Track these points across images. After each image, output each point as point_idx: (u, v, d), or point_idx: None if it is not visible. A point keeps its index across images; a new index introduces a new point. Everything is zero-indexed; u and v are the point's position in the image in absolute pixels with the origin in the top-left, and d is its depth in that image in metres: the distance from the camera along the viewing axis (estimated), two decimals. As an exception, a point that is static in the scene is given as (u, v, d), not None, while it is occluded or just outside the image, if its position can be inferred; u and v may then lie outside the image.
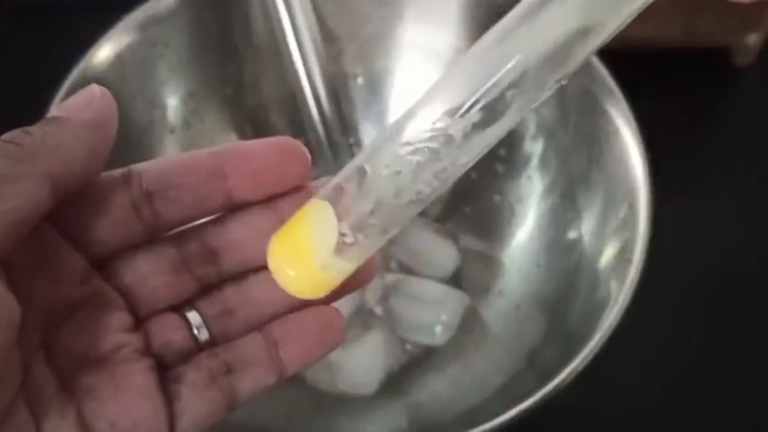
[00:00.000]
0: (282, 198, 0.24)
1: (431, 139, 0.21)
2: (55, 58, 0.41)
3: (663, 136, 0.44)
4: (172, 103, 0.47)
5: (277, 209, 0.24)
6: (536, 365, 0.42)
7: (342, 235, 0.22)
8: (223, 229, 0.24)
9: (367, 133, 0.51)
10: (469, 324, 0.47)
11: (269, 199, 0.24)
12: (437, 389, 0.45)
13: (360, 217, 0.22)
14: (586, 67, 0.44)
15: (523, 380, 0.41)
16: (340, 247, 0.22)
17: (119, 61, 0.44)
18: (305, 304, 0.24)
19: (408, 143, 0.21)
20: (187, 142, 0.48)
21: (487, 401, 0.42)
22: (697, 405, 0.46)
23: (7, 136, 0.21)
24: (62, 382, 0.22)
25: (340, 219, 0.22)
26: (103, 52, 0.44)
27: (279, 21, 0.46)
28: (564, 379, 0.36)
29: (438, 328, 0.46)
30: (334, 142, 0.49)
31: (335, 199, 0.22)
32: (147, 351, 0.23)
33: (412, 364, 0.46)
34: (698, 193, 0.54)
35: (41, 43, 0.57)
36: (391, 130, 0.22)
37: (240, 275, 0.24)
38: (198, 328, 0.24)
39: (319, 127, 0.48)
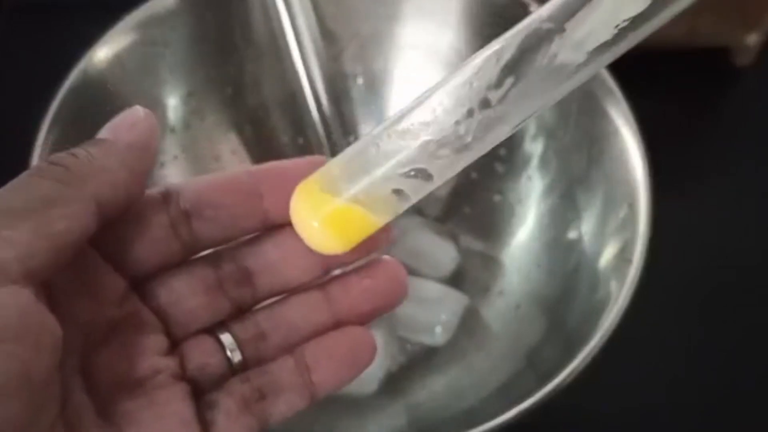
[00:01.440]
0: None
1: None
2: (55, 58, 0.41)
3: (663, 136, 0.44)
4: (172, 102, 0.47)
5: None
6: (536, 365, 0.42)
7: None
8: (259, 250, 0.24)
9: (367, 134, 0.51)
10: (469, 324, 0.47)
11: None
12: (437, 389, 0.45)
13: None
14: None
15: (523, 380, 0.41)
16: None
17: (119, 61, 0.44)
18: (336, 325, 0.24)
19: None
20: (187, 142, 0.48)
21: (487, 401, 0.42)
22: (697, 405, 0.46)
23: (54, 158, 0.21)
24: (100, 408, 0.22)
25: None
26: (103, 52, 0.44)
27: (279, 21, 0.46)
28: (564, 379, 0.36)
29: (438, 328, 0.46)
30: (334, 142, 0.49)
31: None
32: (183, 375, 0.23)
33: (412, 364, 0.46)
34: (698, 193, 0.54)
35: (41, 43, 0.57)
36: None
37: (274, 296, 0.24)
38: (231, 351, 0.24)
39: (319, 127, 0.48)
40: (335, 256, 0.23)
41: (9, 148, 0.36)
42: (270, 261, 0.24)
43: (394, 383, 0.45)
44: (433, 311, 0.47)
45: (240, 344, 0.24)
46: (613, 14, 0.20)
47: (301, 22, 0.47)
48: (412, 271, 0.48)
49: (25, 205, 0.20)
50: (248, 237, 0.24)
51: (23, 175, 0.20)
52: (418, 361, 0.46)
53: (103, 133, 0.22)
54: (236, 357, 0.24)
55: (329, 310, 0.24)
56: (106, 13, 0.44)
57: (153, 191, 0.23)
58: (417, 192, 0.22)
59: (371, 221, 0.22)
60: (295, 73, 0.48)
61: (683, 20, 0.54)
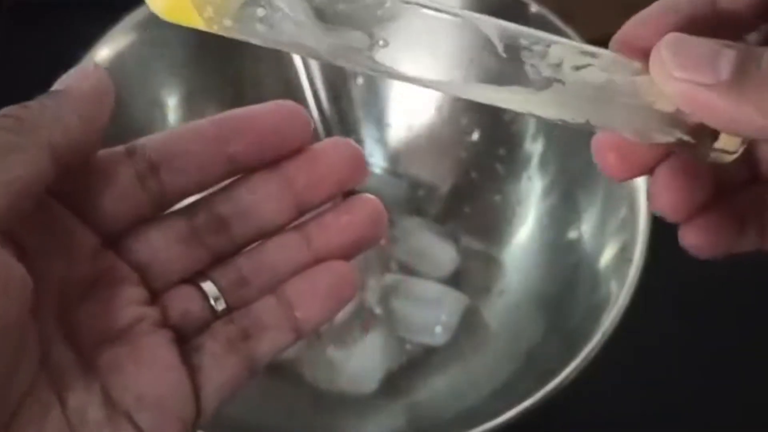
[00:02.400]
0: (286, 161, 0.24)
1: None
2: (55, 57, 0.41)
3: (663, 136, 0.44)
4: (172, 103, 0.47)
5: (282, 172, 0.24)
6: (536, 365, 0.42)
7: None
8: (231, 196, 0.24)
9: (367, 133, 0.51)
10: (469, 324, 0.47)
11: (274, 163, 0.24)
12: (437, 389, 0.45)
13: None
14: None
15: (523, 380, 0.41)
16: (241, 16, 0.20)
17: (119, 61, 0.44)
18: (317, 261, 0.24)
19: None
20: (187, 142, 0.48)
21: (487, 401, 0.42)
22: (697, 405, 0.46)
23: (4, 110, 0.21)
24: (83, 360, 0.22)
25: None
26: (103, 52, 0.44)
27: (279, 21, 0.46)
28: (564, 379, 0.36)
29: (438, 329, 0.46)
30: (334, 142, 0.49)
31: None
32: (165, 323, 0.23)
33: (412, 364, 0.46)
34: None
35: (41, 43, 0.57)
36: None
37: (252, 242, 0.24)
38: (215, 299, 0.24)
39: (319, 127, 0.48)
40: (308, 195, 0.24)
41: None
42: (244, 206, 0.24)
43: (394, 383, 0.45)
44: (433, 311, 0.47)
45: (222, 292, 0.24)
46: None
47: (301, 22, 0.46)
48: (412, 271, 0.48)
49: None
50: (220, 185, 0.24)
51: None
52: (418, 361, 0.46)
53: (55, 86, 0.22)
54: (220, 306, 0.24)
55: (309, 249, 0.24)
56: (106, 13, 0.44)
57: (117, 147, 0.23)
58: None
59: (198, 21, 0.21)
60: (295, 73, 0.48)
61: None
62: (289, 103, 0.24)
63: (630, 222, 0.41)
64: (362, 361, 0.45)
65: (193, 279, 0.24)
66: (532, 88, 0.20)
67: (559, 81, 0.20)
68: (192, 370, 0.23)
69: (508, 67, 0.20)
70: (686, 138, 0.21)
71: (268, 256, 0.24)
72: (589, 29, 0.45)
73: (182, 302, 0.24)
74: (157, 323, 0.23)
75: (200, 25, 0.21)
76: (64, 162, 0.21)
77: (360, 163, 0.24)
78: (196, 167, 0.23)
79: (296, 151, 0.24)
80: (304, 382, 0.45)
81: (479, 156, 0.49)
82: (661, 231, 0.40)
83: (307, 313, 0.24)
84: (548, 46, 0.20)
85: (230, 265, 0.24)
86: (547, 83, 0.20)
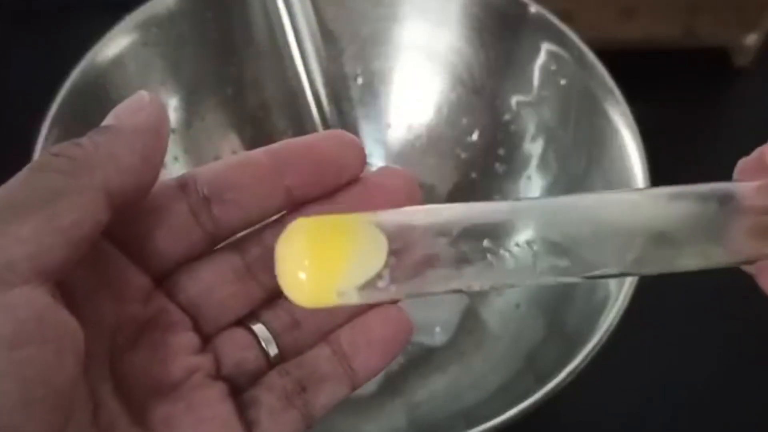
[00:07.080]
0: (341, 191, 0.23)
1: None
2: (55, 58, 0.41)
3: (662, 136, 0.44)
4: (173, 103, 0.47)
5: (336, 202, 0.23)
6: (535, 365, 0.42)
7: (378, 277, 0.21)
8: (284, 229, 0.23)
9: (367, 134, 0.51)
10: (469, 324, 0.47)
11: (328, 194, 0.23)
12: (437, 389, 0.45)
13: (407, 276, 0.21)
14: (586, 67, 0.44)
15: (523, 380, 0.41)
16: (365, 285, 0.21)
17: (119, 61, 0.44)
18: (371, 307, 0.23)
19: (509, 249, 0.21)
20: (187, 141, 0.48)
21: (486, 401, 0.42)
22: (698, 405, 0.46)
23: (55, 149, 0.20)
24: (135, 415, 0.21)
25: (386, 264, 0.21)
26: (103, 52, 0.44)
27: (279, 21, 0.46)
28: (563, 379, 0.36)
29: (437, 329, 0.46)
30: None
31: (396, 238, 0.21)
32: (218, 374, 0.22)
33: (412, 364, 0.46)
34: (698, 193, 0.54)
35: (42, 44, 0.57)
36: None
37: None
38: (266, 343, 0.23)
39: (319, 127, 0.48)
40: None
41: (9, 149, 0.37)
42: None
43: (394, 383, 0.45)
44: (432, 311, 0.47)
45: (274, 334, 0.23)
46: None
47: (301, 22, 0.47)
48: (412, 271, 0.48)
49: (30, 199, 0.19)
50: (272, 219, 0.23)
51: (26, 170, 0.19)
52: (418, 361, 0.46)
53: (108, 119, 0.21)
54: (272, 350, 0.23)
55: None
56: (106, 13, 0.44)
57: (168, 180, 0.22)
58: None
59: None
60: (295, 73, 0.48)
61: (681, 21, 0.54)
62: (343, 133, 0.23)
63: (629, 222, 0.41)
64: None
65: (244, 321, 0.23)
66: None
67: None
68: (248, 427, 0.22)
69: None
70: None
71: None
72: (588, 30, 0.45)
73: (236, 350, 0.23)
74: (211, 375, 0.22)
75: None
76: (119, 203, 0.20)
77: (415, 193, 0.23)
78: (250, 200, 0.22)
79: (352, 182, 0.23)
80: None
81: (479, 156, 0.49)
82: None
83: (364, 364, 0.23)
84: None
85: (282, 307, 0.23)
86: None
